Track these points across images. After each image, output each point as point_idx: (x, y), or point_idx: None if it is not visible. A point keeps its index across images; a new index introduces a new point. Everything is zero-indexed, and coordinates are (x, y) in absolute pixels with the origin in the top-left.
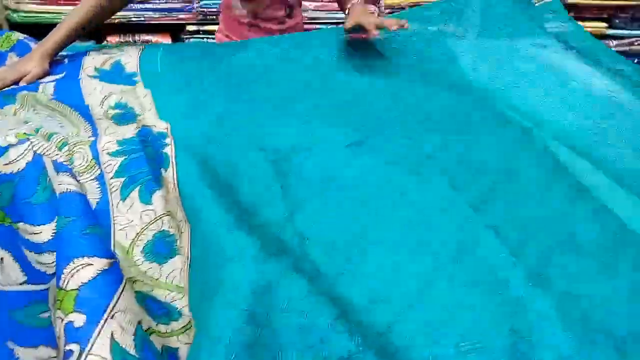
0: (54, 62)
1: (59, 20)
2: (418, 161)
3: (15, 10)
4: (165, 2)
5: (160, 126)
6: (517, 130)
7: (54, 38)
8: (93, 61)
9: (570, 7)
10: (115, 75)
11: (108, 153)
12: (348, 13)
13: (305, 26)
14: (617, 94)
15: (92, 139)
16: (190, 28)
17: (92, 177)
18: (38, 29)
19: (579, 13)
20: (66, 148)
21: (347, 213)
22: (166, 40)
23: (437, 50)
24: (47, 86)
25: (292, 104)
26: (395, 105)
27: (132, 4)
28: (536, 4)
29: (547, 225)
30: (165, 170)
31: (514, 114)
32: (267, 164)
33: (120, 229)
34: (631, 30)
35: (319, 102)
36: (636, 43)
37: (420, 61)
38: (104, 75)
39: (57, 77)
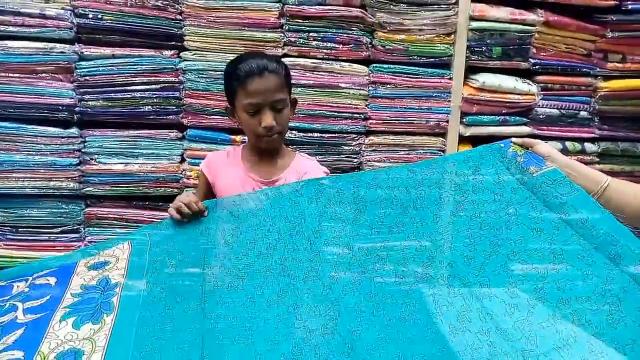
0: (38, 286)
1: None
2: None
3: None
4: None
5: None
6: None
7: None
8: (79, 280)
9: None
10: (94, 297)
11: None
12: None
13: None
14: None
15: None
16: None
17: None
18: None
19: None
20: None
21: None
22: None
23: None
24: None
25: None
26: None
27: None
28: (534, 175)
29: None
30: (107, 315)
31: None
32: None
33: (47, 341)
34: None
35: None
36: None
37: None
38: (78, 307)
39: (31, 318)
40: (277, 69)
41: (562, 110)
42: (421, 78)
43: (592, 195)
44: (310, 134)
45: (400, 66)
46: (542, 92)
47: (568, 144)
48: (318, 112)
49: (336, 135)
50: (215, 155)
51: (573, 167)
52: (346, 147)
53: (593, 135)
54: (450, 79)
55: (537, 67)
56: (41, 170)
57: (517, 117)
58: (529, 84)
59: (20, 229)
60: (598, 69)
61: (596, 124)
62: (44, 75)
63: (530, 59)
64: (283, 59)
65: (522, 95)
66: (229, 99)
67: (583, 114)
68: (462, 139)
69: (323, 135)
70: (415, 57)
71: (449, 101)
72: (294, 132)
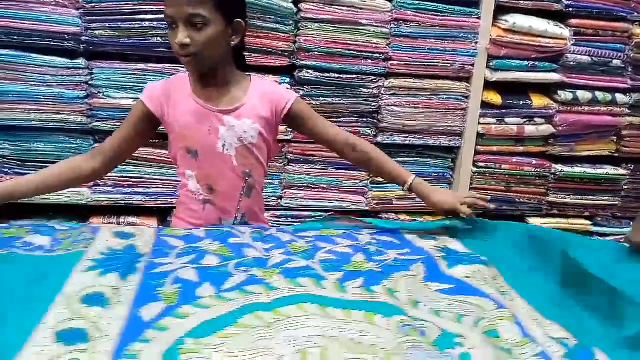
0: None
1: None
2: None
3: None
4: (155, 187)
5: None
6: None
7: (18, 183)
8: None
9: (552, 205)
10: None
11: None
12: (409, 189)
13: (295, 212)
14: None
15: None
16: None
17: None
18: None
19: (563, 211)
20: None
21: None
22: (152, 223)
23: None
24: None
25: None
26: None
27: (122, 187)
28: None
29: None
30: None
31: None
32: None
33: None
34: (612, 227)
35: None
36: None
37: None
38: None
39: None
40: None
41: (594, 58)
42: (447, 16)
43: None
44: (326, 74)
45: (426, 2)
46: (574, 37)
47: (598, 94)
48: (335, 50)
49: (354, 76)
50: (155, 85)
51: None
52: (364, 90)
53: (625, 85)
54: (479, 18)
55: (570, 9)
56: (48, 103)
57: (547, 63)
58: (561, 27)
59: (27, 163)
60: (636, 14)
61: (629, 73)
62: (47, 0)
63: (563, 0)
64: None
65: (553, 39)
66: None
67: (616, 62)
68: (488, 85)
69: (341, 75)
70: None
71: (476, 43)
72: (309, 71)
